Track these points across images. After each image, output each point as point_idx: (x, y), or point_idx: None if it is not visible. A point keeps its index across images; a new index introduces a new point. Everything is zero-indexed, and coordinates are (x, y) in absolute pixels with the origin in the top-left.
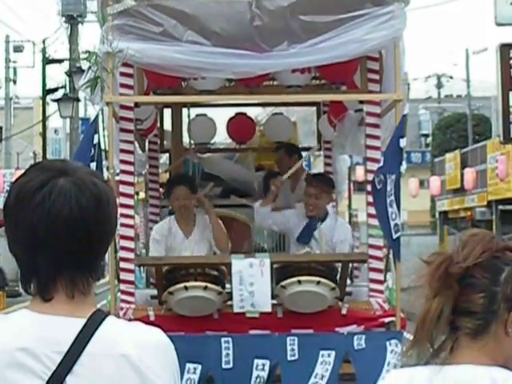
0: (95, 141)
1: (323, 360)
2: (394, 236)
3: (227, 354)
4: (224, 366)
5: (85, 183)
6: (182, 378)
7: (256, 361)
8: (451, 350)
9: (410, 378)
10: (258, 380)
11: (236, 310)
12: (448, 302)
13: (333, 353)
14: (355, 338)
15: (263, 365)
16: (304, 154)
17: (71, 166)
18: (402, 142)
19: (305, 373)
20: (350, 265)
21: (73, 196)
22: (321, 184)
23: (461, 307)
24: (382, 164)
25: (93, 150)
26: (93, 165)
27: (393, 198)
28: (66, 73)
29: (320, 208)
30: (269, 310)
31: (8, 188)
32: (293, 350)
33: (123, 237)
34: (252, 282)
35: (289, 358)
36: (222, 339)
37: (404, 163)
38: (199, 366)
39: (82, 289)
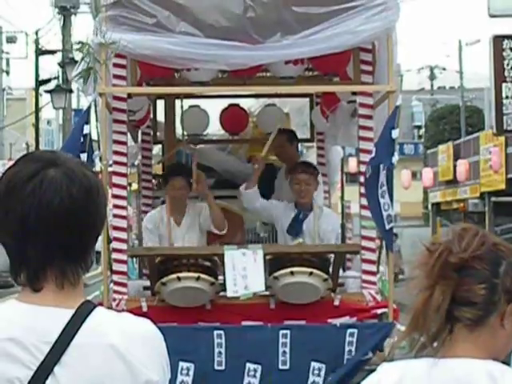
0: (85, 131)
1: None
2: (387, 227)
3: (219, 353)
4: (216, 368)
5: (75, 174)
6: (175, 380)
7: (248, 365)
8: (443, 341)
9: (402, 372)
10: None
11: (230, 294)
12: (447, 292)
13: (325, 349)
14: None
15: (255, 370)
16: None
17: (61, 157)
18: (394, 133)
19: (297, 379)
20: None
21: (63, 186)
22: (309, 170)
23: (460, 297)
24: (373, 155)
25: (83, 141)
26: (83, 155)
27: (385, 188)
28: (58, 64)
29: (311, 194)
30: (263, 289)
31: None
32: (284, 353)
33: (116, 228)
34: (245, 267)
35: (280, 367)
36: (215, 332)
37: (396, 155)
38: (192, 366)
39: (71, 279)
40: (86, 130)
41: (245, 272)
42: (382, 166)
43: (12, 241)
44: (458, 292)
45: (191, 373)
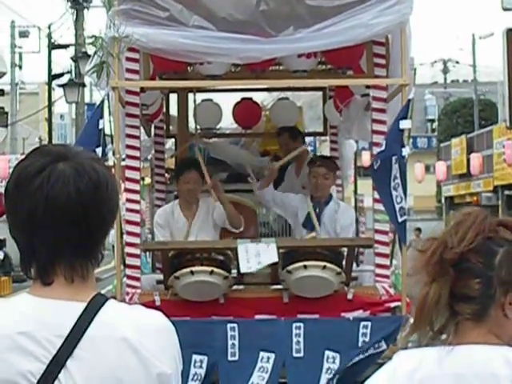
0: (100, 126)
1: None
2: (400, 219)
3: (233, 345)
4: (230, 358)
5: (84, 168)
6: (188, 372)
7: (262, 353)
8: (455, 331)
9: (418, 359)
10: (261, 369)
11: (243, 270)
12: (445, 288)
13: (339, 340)
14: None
15: (268, 358)
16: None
17: (72, 151)
18: (402, 124)
19: (312, 366)
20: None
21: (71, 180)
22: (327, 164)
23: (458, 292)
24: (383, 148)
25: (98, 135)
26: (98, 150)
27: (398, 181)
28: (71, 58)
29: (328, 188)
30: (276, 259)
31: None
32: (298, 342)
33: (129, 222)
34: (258, 250)
35: (294, 355)
36: (228, 325)
37: (408, 148)
38: (205, 359)
39: (80, 273)
40: (100, 124)
41: (258, 252)
42: (394, 158)
43: (21, 235)
44: (456, 287)
45: (204, 365)
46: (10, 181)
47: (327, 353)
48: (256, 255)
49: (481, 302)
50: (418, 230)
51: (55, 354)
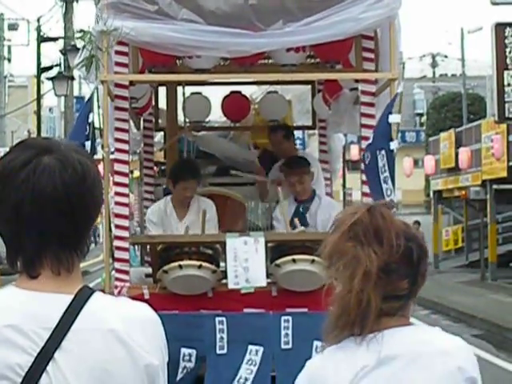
0: (90, 119)
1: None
2: None
3: (221, 338)
4: (218, 352)
5: (68, 160)
6: (178, 366)
7: (250, 347)
8: (376, 323)
9: (350, 355)
10: (250, 362)
11: (231, 286)
12: (376, 293)
13: None
14: None
15: (256, 351)
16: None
17: (55, 144)
18: (391, 118)
19: (301, 357)
20: None
21: (56, 173)
22: (299, 167)
23: (388, 294)
24: (370, 141)
25: (88, 129)
26: (88, 143)
27: (387, 174)
28: (60, 51)
29: (307, 189)
30: (264, 284)
31: None
32: (287, 334)
33: (118, 215)
34: (246, 258)
35: (283, 346)
36: (217, 319)
37: (397, 142)
38: (194, 352)
39: (67, 265)
40: (90, 118)
41: (246, 264)
42: (379, 151)
43: (7, 228)
44: (386, 290)
45: (193, 358)
46: None
47: (316, 343)
48: (245, 268)
49: (408, 297)
50: (417, 222)
51: (43, 346)
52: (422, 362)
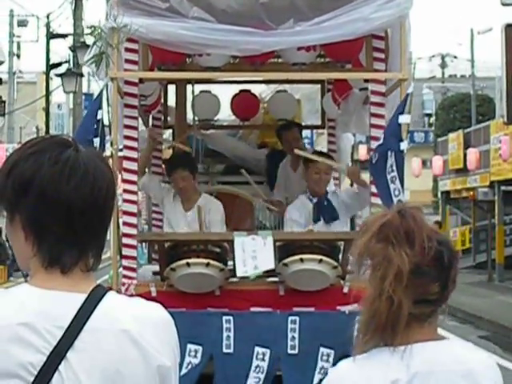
0: (99, 116)
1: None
2: None
3: (228, 337)
4: (225, 350)
5: (96, 161)
6: (183, 361)
7: (257, 349)
8: (406, 333)
9: (384, 365)
10: (257, 369)
11: (239, 274)
12: (407, 296)
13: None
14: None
15: (263, 354)
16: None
17: (77, 143)
18: (401, 119)
19: (306, 365)
20: None
21: (90, 176)
22: (327, 158)
23: (418, 298)
24: (381, 141)
25: (97, 126)
26: (96, 140)
27: (395, 174)
28: (69, 48)
29: (327, 183)
30: (272, 267)
31: None
32: (293, 338)
33: (126, 212)
34: (254, 250)
35: (289, 351)
36: (224, 318)
37: (406, 142)
38: (200, 349)
39: (84, 265)
40: (99, 115)
41: (254, 254)
42: (389, 151)
43: (56, 225)
44: (416, 294)
45: (199, 355)
46: (27, 171)
47: (322, 350)
48: (253, 257)
49: (438, 303)
50: (439, 223)
51: (56, 345)
52: (452, 381)
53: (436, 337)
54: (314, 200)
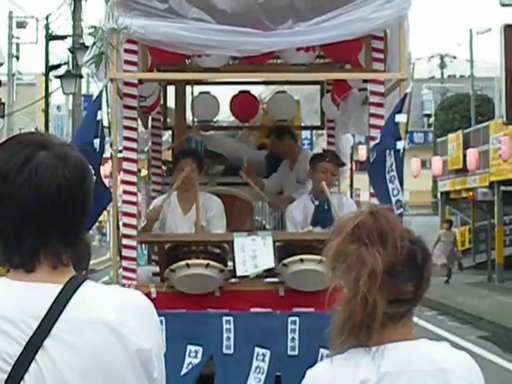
0: (98, 117)
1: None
2: (397, 212)
3: (228, 338)
4: (225, 351)
5: (67, 157)
6: (183, 361)
7: (257, 349)
8: (380, 332)
9: (354, 365)
10: (258, 370)
11: (239, 273)
12: (382, 296)
13: None
14: None
15: (263, 355)
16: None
17: (49, 140)
18: (398, 118)
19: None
20: None
21: (59, 170)
22: (337, 161)
23: (393, 298)
24: (377, 141)
25: (96, 127)
26: (96, 141)
27: (394, 174)
28: (69, 49)
29: (333, 185)
30: (272, 265)
31: None
32: (293, 339)
33: (126, 214)
34: (254, 249)
35: (289, 353)
36: (224, 318)
37: (403, 141)
38: (200, 349)
39: (65, 260)
40: (98, 116)
41: (254, 253)
42: (387, 151)
43: (6, 226)
44: (391, 293)
45: (199, 355)
46: None
47: (322, 351)
48: (252, 257)
49: (412, 303)
50: (449, 221)
51: (32, 335)
52: (422, 381)
53: (410, 337)
54: (316, 202)
